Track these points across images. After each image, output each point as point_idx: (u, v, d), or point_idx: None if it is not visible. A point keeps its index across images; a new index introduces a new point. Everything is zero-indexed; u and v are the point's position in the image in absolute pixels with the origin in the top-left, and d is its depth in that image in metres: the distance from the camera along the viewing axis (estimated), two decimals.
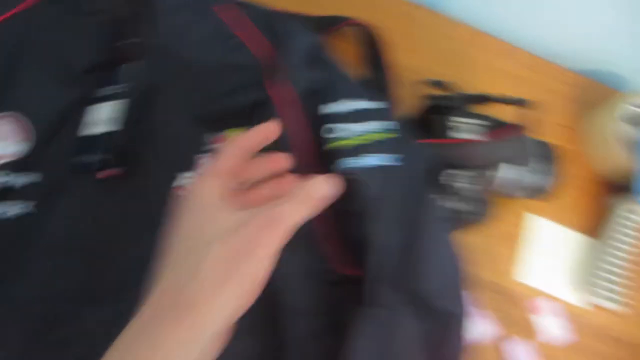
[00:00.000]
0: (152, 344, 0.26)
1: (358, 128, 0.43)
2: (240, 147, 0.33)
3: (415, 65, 0.55)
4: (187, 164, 0.43)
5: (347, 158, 0.42)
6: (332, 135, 0.43)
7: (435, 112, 0.46)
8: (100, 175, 0.42)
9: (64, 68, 0.44)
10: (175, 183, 0.43)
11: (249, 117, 0.43)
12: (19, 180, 0.41)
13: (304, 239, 0.41)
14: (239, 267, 0.27)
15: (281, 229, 0.28)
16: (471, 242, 0.46)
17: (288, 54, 0.45)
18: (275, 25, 0.47)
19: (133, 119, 0.42)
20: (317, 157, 0.43)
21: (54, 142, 0.42)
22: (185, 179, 0.43)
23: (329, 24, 0.53)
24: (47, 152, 0.42)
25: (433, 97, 0.48)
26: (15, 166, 0.41)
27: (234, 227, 0.28)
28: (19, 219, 0.40)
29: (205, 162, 0.43)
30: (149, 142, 0.43)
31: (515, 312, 0.51)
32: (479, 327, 0.49)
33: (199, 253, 0.28)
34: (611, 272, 0.52)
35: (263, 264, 0.28)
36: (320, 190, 0.30)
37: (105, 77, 0.44)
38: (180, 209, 0.31)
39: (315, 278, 0.41)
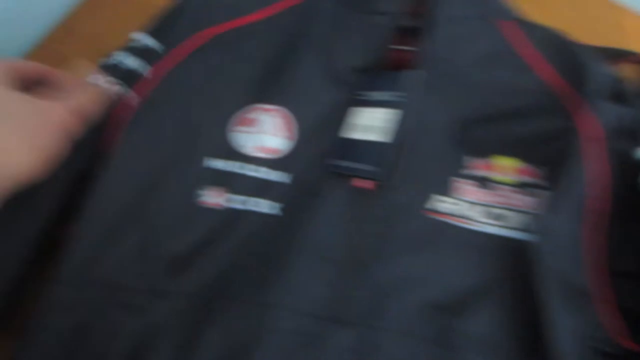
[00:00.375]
0: None
1: None
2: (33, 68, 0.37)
3: None
4: (442, 186, 0.39)
5: None
6: None
7: None
8: (357, 183, 0.39)
9: (333, 65, 0.43)
10: (428, 205, 0.39)
11: (531, 146, 0.39)
12: (271, 176, 0.40)
13: (579, 301, 0.35)
14: (35, 135, 0.32)
15: (73, 114, 0.35)
16: None
17: (588, 83, 0.39)
18: (562, 49, 0.42)
19: (404, 133, 0.39)
20: (612, 204, 0.37)
21: (312, 142, 0.41)
22: (438, 202, 0.39)
23: (614, 57, 0.46)
24: (304, 152, 0.41)
25: None
26: (271, 162, 0.40)
27: (28, 105, 0.33)
28: (269, 217, 0.39)
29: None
30: (406, 156, 0.40)
31: None
32: None
33: None
34: None
35: (56, 139, 0.34)
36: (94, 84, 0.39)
37: (376, 81, 0.42)
38: None
39: (589, 345, 0.34)
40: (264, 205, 0.39)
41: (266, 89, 0.42)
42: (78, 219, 0.38)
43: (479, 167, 0.40)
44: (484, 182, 0.39)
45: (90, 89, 0.38)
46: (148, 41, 0.45)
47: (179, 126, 0.41)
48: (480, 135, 0.40)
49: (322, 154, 0.41)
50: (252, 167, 0.40)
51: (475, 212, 0.38)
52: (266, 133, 0.41)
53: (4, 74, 0.34)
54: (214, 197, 0.39)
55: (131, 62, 0.44)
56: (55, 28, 0.56)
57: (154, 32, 0.45)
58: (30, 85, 0.36)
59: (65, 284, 0.36)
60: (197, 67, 0.43)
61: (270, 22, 0.45)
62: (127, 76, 0.43)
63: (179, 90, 0.42)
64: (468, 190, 0.39)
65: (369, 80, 0.42)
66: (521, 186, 0.39)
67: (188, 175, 0.39)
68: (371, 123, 0.40)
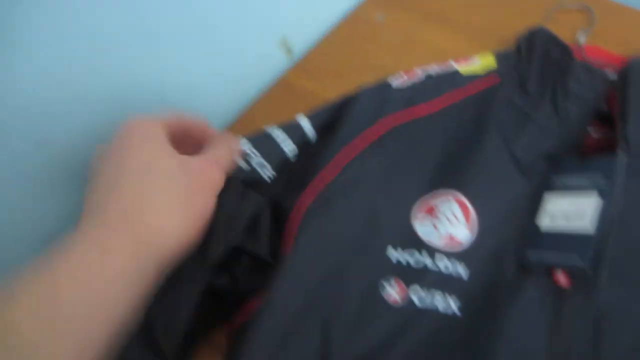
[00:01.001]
0: (101, 248, 0.26)
1: None
2: (184, 121, 0.36)
3: None
4: None
5: None
6: None
7: None
8: (558, 278, 0.34)
9: (520, 153, 0.39)
10: None
11: None
12: (452, 271, 0.36)
13: None
14: (192, 197, 0.31)
15: (221, 170, 0.35)
16: None
17: None
18: None
19: (609, 222, 0.34)
20: None
21: (496, 235, 0.37)
22: None
23: None
24: (486, 245, 0.36)
25: None
26: (454, 255, 0.36)
27: (183, 165, 0.32)
28: (448, 317, 0.34)
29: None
30: (613, 248, 0.34)
31: None
32: None
33: (154, 182, 0.30)
34: None
35: (211, 199, 0.33)
36: (235, 142, 0.39)
37: (570, 167, 0.38)
38: (127, 139, 0.32)
39: None
40: (443, 303, 0.34)
41: (447, 177, 0.39)
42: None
43: None
44: None
45: (229, 141, 0.38)
46: (308, 129, 0.44)
47: (358, 215, 0.38)
48: None
49: (507, 247, 0.36)
50: (436, 259, 0.36)
51: None
52: (450, 223, 0.37)
53: (162, 131, 0.33)
54: (396, 291, 0.35)
55: (288, 146, 0.43)
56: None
57: (318, 122, 0.44)
58: (178, 138, 0.36)
59: None
60: (375, 157, 0.40)
61: (448, 113, 0.42)
62: (277, 158, 0.42)
63: (358, 180, 0.39)
64: None
65: (562, 167, 0.38)
66: None
67: (371, 265, 0.36)
68: (569, 211, 0.35)
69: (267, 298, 0.34)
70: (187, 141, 0.37)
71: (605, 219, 0.34)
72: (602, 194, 0.35)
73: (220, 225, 0.35)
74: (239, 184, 0.38)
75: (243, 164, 0.40)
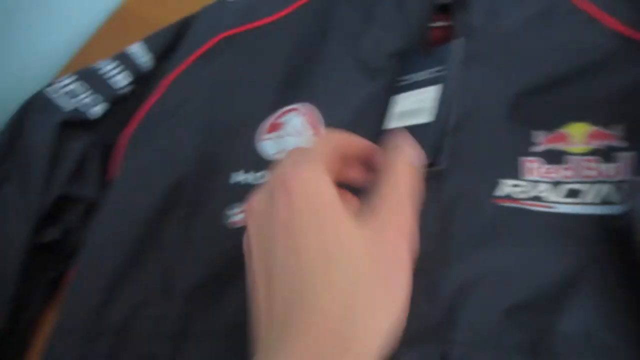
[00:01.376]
0: None
1: None
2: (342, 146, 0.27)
3: None
4: (511, 169, 0.33)
5: None
6: None
7: None
8: None
9: (365, 54, 0.37)
10: (497, 192, 0.32)
11: (604, 105, 0.32)
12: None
13: None
14: (389, 295, 0.24)
15: (410, 237, 0.25)
16: None
17: None
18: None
19: (447, 108, 0.33)
20: None
21: None
22: (509, 187, 0.32)
23: None
24: None
25: None
26: None
27: (368, 248, 0.24)
28: None
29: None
30: (456, 136, 0.34)
31: None
32: None
33: (342, 286, 0.23)
34: None
35: (407, 279, 0.25)
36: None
37: (416, 62, 0.36)
38: (289, 210, 0.23)
39: None
40: None
41: (293, 90, 0.37)
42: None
43: (550, 140, 0.33)
44: (554, 156, 0.33)
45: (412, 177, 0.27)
46: (141, 57, 0.40)
47: (190, 140, 0.35)
48: (544, 105, 0.34)
49: None
50: None
51: (549, 192, 0.32)
52: (290, 135, 0.35)
53: (332, 188, 0.24)
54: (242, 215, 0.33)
55: (120, 78, 0.39)
56: None
57: (155, 47, 0.41)
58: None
59: (71, 334, 0.30)
60: (205, 72, 0.37)
61: (288, 20, 0.39)
62: (109, 92, 0.39)
63: (186, 99, 0.36)
64: (540, 169, 0.33)
65: (408, 64, 0.36)
66: (593, 153, 0.32)
67: (213, 196, 0.33)
68: (414, 107, 0.34)
69: (91, 237, 0.32)
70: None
71: (443, 105, 0.33)
72: (441, 81, 0.34)
73: (40, 172, 0.31)
74: (56, 128, 0.35)
75: (65, 103, 0.37)
